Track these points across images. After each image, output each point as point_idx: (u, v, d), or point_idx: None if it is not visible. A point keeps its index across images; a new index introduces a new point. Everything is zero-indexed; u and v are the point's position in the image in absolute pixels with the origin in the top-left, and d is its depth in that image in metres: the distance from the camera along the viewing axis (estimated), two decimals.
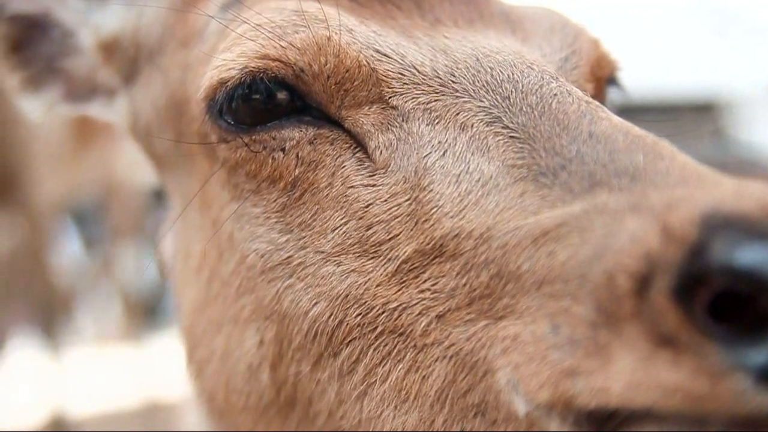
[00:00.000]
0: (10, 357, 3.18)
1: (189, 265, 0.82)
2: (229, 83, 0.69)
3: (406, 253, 0.61)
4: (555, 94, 0.62)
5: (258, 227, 0.70)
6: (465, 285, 0.57)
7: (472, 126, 0.63)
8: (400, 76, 0.67)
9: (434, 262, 0.59)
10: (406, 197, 0.63)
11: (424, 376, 0.59)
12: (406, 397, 0.60)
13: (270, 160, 0.68)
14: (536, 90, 0.63)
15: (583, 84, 0.76)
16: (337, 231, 0.65)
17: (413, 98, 0.66)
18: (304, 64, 0.67)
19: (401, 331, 0.60)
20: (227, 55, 0.70)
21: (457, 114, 0.64)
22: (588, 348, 0.48)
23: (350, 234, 0.64)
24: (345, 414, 0.65)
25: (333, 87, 0.68)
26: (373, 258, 0.63)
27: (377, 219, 0.63)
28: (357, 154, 0.67)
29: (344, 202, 0.65)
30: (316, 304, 0.65)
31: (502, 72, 0.65)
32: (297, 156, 0.68)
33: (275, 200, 0.69)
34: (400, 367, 0.60)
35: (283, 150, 0.68)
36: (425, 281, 0.60)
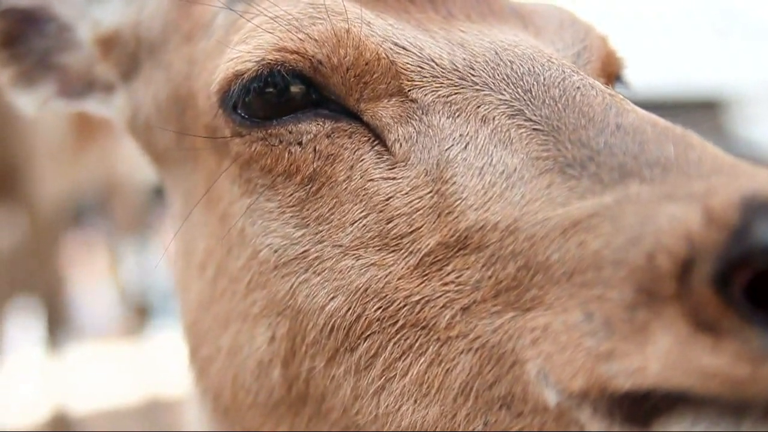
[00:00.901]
0: (11, 354, 3.18)
1: (192, 262, 0.81)
2: (245, 75, 0.68)
3: (429, 246, 0.61)
4: (578, 87, 0.62)
5: (272, 222, 0.69)
6: (491, 277, 0.57)
7: (493, 119, 0.62)
8: (419, 69, 0.67)
9: (458, 254, 0.59)
10: (428, 190, 0.63)
11: (447, 370, 0.59)
12: (428, 391, 0.60)
13: (287, 154, 0.68)
14: (558, 83, 0.63)
15: (597, 79, 0.76)
16: (356, 224, 0.65)
17: (433, 91, 0.66)
18: (323, 56, 0.67)
19: (424, 324, 0.60)
20: (243, 47, 0.69)
21: (478, 107, 0.63)
22: (624, 330, 0.48)
23: (370, 227, 0.64)
24: (360, 409, 0.64)
25: (352, 80, 0.67)
26: (394, 251, 0.62)
27: (398, 212, 0.63)
28: (376, 147, 0.67)
29: (364, 195, 0.65)
30: (333, 298, 0.64)
31: (522, 65, 0.65)
32: (314, 150, 0.67)
33: (291, 195, 0.68)
34: (422, 360, 0.60)
35: (300, 144, 0.68)
36: (449, 273, 0.59)
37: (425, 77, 0.66)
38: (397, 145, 0.66)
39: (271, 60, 0.67)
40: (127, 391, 3.22)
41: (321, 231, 0.66)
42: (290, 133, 0.68)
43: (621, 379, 0.48)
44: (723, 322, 0.44)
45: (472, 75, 0.65)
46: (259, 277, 0.70)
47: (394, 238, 0.62)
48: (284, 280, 0.67)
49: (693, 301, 0.45)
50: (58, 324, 3.00)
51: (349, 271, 0.64)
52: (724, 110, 5.88)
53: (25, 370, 3.27)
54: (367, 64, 0.67)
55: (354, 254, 0.64)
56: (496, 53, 0.66)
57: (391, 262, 0.62)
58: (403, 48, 0.67)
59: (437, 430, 0.60)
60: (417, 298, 0.60)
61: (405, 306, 0.61)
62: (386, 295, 0.62)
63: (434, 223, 0.61)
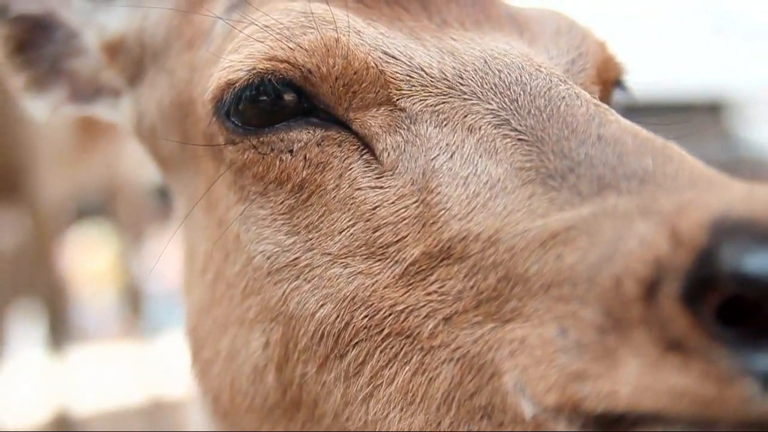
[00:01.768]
0: (14, 355, 3.19)
1: (194, 265, 0.82)
2: (236, 84, 0.69)
3: (414, 256, 0.61)
4: (563, 97, 0.62)
5: (264, 229, 0.70)
6: (472, 287, 0.57)
7: (480, 128, 0.63)
8: (408, 78, 0.67)
9: (441, 264, 0.59)
10: (414, 199, 0.63)
11: (430, 379, 0.59)
12: (413, 399, 0.60)
13: (278, 162, 0.68)
14: (545, 93, 0.63)
15: (590, 86, 0.76)
16: (344, 233, 0.65)
17: (421, 100, 0.66)
18: (312, 65, 0.67)
19: (408, 333, 0.60)
20: (235, 56, 0.70)
21: (465, 116, 0.64)
22: (596, 352, 0.48)
23: (357, 236, 0.64)
24: (351, 416, 0.65)
25: (341, 89, 0.68)
26: (380, 260, 0.63)
27: (384, 221, 0.63)
28: (365, 156, 0.67)
29: (351, 204, 0.65)
30: (322, 305, 0.65)
31: (510, 74, 0.65)
32: (305, 158, 0.68)
33: (282, 202, 0.69)
34: (406, 369, 0.60)
35: (290, 152, 0.68)
36: (432, 283, 0.60)
37: (414, 86, 0.66)
38: (386, 154, 0.66)
39: (261, 69, 0.68)
40: (129, 392, 3.22)
41: (311, 239, 0.67)
42: (281, 141, 0.68)
43: (593, 401, 0.48)
44: (691, 341, 0.44)
45: (461, 84, 0.65)
46: (253, 283, 0.71)
47: (380, 247, 0.63)
48: (277, 287, 0.68)
49: (660, 320, 0.45)
50: (61, 325, 3.00)
51: (337, 279, 0.64)
52: (724, 112, 5.87)
53: (28, 370, 3.28)
54: (355, 73, 0.67)
55: (342, 262, 0.64)
56: (486, 62, 0.67)
57: (378, 271, 0.62)
58: (393, 57, 0.68)
59: None
60: (402, 307, 0.61)
61: (390, 315, 0.61)
62: (372, 304, 0.62)
63: (419, 232, 0.61)
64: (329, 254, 0.65)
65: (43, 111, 0.99)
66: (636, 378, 0.46)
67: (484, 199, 0.59)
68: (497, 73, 0.65)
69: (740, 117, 5.82)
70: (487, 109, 0.63)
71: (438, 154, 0.63)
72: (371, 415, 0.63)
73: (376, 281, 0.62)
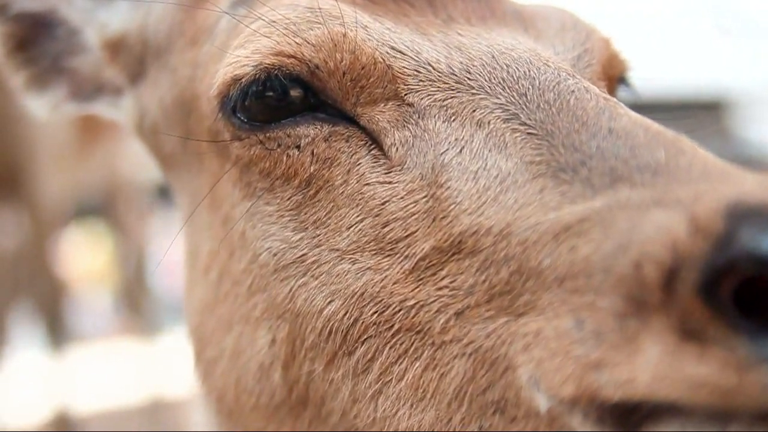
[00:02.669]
0: (14, 354, 3.18)
1: (197, 263, 0.82)
2: (243, 80, 0.69)
3: (424, 251, 0.61)
4: (572, 91, 0.62)
5: (271, 225, 0.70)
6: (484, 282, 0.57)
7: (488, 123, 0.62)
8: (415, 73, 0.67)
9: (452, 259, 0.59)
10: (423, 194, 0.63)
11: (442, 374, 0.59)
12: (423, 395, 0.60)
13: (285, 158, 0.68)
14: (553, 87, 0.63)
15: (597, 82, 0.76)
16: (352, 228, 0.65)
17: (429, 95, 0.66)
18: (320, 60, 0.67)
19: (418, 328, 0.60)
20: (241, 51, 0.70)
21: (474, 111, 0.63)
22: (614, 340, 0.48)
23: (366, 231, 0.64)
24: (359, 413, 0.64)
25: (348, 84, 0.67)
26: (389, 255, 0.62)
27: (394, 216, 0.63)
28: (372, 151, 0.67)
29: (360, 199, 0.65)
30: (330, 302, 0.65)
31: (518, 69, 0.65)
32: (312, 153, 0.67)
33: (289, 198, 0.69)
34: (417, 365, 0.60)
35: (298, 147, 0.68)
36: (443, 278, 0.59)
37: (422, 81, 0.66)
38: (394, 149, 0.66)
39: (268, 64, 0.68)
40: (130, 391, 3.22)
41: (318, 235, 0.67)
42: (288, 136, 0.68)
43: (610, 390, 0.47)
44: (709, 330, 0.44)
45: (469, 79, 0.65)
46: (259, 280, 0.70)
47: (389, 243, 0.62)
48: (283, 284, 0.68)
49: (679, 310, 0.45)
50: (60, 324, 3.00)
51: (345, 275, 0.64)
52: (726, 111, 5.88)
53: (28, 370, 3.28)
54: (363, 68, 0.67)
55: (350, 258, 0.64)
56: (493, 57, 0.66)
57: (387, 267, 0.62)
58: (400, 52, 0.67)
59: None
60: (412, 302, 0.60)
61: (400, 310, 0.61)
62: (382, 300, 0.62)
63: (429, 227, 0.61)
64: (337, 250, 0.65)
65: (44, 109, 0.98)
66: (655, 366, 0.45)
67: (495, 193, 0.58)
68: (505, 67, 0.65)
69: (741, 116, 5.83)
70: (496, 103, 0.63)
71: (447, 149, 0.63)
72: (380, 412, 0.62)
73: (386, 277, 0.62)
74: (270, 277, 0.69)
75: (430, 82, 0.66)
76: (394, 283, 0.61)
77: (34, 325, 3.16)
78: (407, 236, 0.62)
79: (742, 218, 0.44)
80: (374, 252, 0.63)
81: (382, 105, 0.67)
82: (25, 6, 0.97)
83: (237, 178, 0.73)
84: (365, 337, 0.63)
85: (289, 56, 0.67)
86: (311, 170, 0.67)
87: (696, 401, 0.44)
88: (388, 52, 0.67)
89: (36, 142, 2.66)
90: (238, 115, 0.70)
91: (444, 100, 0.65)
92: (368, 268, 0.63)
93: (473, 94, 0.64)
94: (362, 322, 0.63)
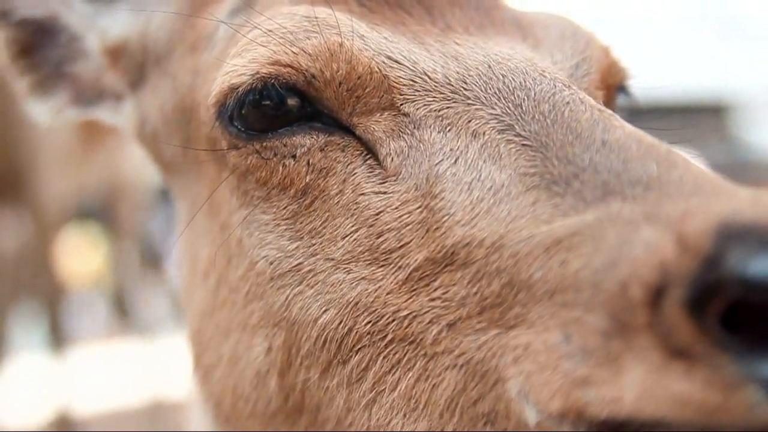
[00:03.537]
0: (15, 355, 3.19)
1: (196, 269, 0.82)
2: (240, 89, 0.69)
3: (417, 261, 0.61)
4: (567, 102, 0.62)
5: (267, 234, 0.70)
6: (476, 294, 0.57)
7: (484, 134, 0.62)
8: (411, 83, 0.67)
9: (445, 270, 0.59)
10: (418, 205, 0.63)
11: (434, 385, 0.59)
12: (416, 406, 0.60)
13: (281, 167, 0.68)
14: (549, 98, 0.63)
15: (594, 91, 0.76)
16: (347, 238, 0.65)
17: (425, 105, 0.66)
18: (316, 70, 0.67)
19: (411, 339, 0.60)
20: (238, 60, 0.70)
21: (469, 121, 0.64)
22: (600, 358, 0.48)
23: (361, 241, 0.64)
24: (353, 422, 0.64)
25: (345, 93, 0.68)
26: (383, 266, 0.63)
27: (388, 226, 0.63)
28: (368, 161, 0.67)
29: (355, 209, 0.65)
30: (325, 311, 0.65)
31: (514, 79, 0.65)
32: (308, 163, 0.68)
33: (285, 207, 0.69)
34: (409, 375, 0.60)
35: (294, 157, 0.68)
36: (436, 289, 0.59)
37: (417, 91, 0.66)
38: (389, 159, 0.66)
39: (265, 73, 0.68)
40: (130, 392, 3.23)
41: (314, 244, 0.67)
42: (284, 146, 0.68)
43: (597, 407, 0.48)
44: (695, 348, 0.44)
45: (465, 89, 0.65)
46: (256, 288, 0.71)
47: (383, 253, 0.63)
48: (279, 292, 0.68)
49: (665, 327, 0.45)
50: (61, 325, 3.01)
51: (340, 285, 0.64)
52: (727, 115, 5.87)
53: (29, 371, 3.28)
54: (359, 78, 0.67)
55: (345, 268, 0.64)
56: (489, 67, 0.66)
57: (381, 277, 0.62)
58: (397, 62, 0.67)
59: None
60: (405, 313, 0.60)
61: (393, 320, 0.61)
62: (375, 310, 0.62)
63: (423, 238, 0.61)
64: (332, 260, 0.65)
65: (46, 115, 0.99)
66: (640, 384, 0.45)
67: (488, 204, 0.59)
68: (501, 78, 0.65)
69: (743, 120, 5.82)
70: (491, 114, 0.63)
71: (442, 160, 0.63)
72: (374, 421, 0.63)
73: (380, 287, 0.62)
74: (266, 285, 0.69)
75: (426, 92, 0.66)
76: (388, 294, 0.62)
77: (35, 326, 3.17)
78: (401, 247, 0.62)
79: (731, 238, 0.44)
80: (368, 262, 0.63)
81: (378, 115, 0.67)
82: (27, 12, 0.97)
83: (234, 186, 0.73)
84: (359, 346, 0.63)
85: (286, 65, 0.67)
86: (307, 180, 0.67)
87: (681, 419, 0.44)
88: (384, 62, 0.67)
89: (38, 145, 2.67)
90: (235, 123, 0.70)
91: (439, 110, 0.65)
92: (362, 278, 0.63)
93: (469, 104, 0.64)
94: (356, 332, 0.63)
